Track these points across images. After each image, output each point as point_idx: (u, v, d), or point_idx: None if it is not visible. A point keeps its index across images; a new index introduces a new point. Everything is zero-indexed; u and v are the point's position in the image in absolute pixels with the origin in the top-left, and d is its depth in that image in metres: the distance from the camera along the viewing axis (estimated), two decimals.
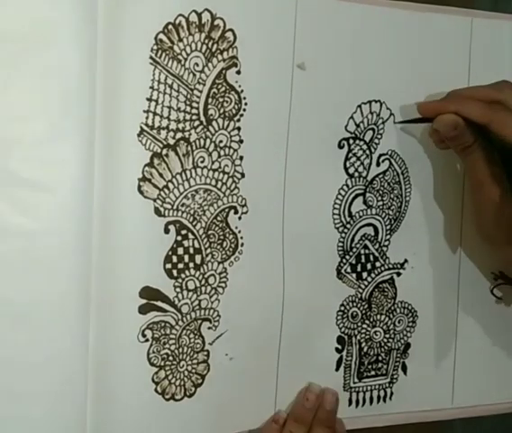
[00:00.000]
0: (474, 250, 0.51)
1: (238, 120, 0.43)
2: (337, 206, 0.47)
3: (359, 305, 0.48)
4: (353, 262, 0.48)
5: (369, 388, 0.49)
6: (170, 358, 0.43)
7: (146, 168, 0.41)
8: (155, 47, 0.40)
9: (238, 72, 0.43)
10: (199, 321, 0.44)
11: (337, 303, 0.48)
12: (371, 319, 0.49)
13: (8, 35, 0.38)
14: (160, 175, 0.42)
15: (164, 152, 0.42)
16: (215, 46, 0.42)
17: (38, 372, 0.39)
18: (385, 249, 0.49)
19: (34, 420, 0.39)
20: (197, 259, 0.43)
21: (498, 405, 0.53)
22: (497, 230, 0.46)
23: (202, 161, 0.43)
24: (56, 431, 0.40)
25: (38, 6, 0.38)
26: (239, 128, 0.43)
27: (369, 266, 0.48)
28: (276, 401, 0.47)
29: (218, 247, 0.44)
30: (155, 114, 0.41)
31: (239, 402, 0.46)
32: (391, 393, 0.50)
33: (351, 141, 0.46)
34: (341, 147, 0.46)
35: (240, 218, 0.44)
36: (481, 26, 0.48)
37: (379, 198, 0.48)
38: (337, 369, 0.48)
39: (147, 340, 0.42)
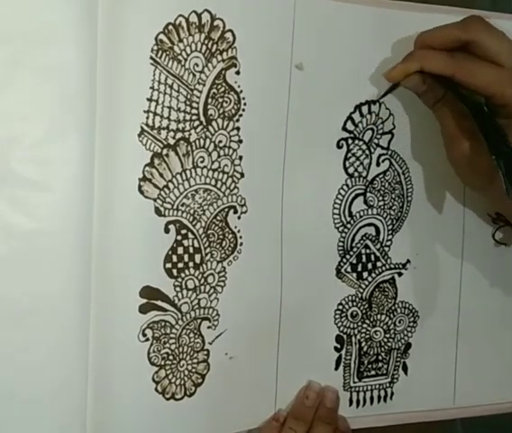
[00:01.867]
0: (476, 249, 0.51)
1: (237, 120, 0.43)
2: (337, 205, 0.47)
3: (359, 304, 0.48)
4: (354, 261, 0.48)
5: (369, 388, 0.49)
6: (171, 357, 0.43)
7: (146, 168, 0.41)
8: (155, 47, 0.40)
9: (237, 72, 0.43)
10: (199, 320, 0.44)
11: (335, 302, 0.48)
12: (372, 319, 0.49)
13: (8, 35, 0.38)
14: (161, 175, 0.42)
15: (164, 151, 0.42)
16: (215, 46, 0.42)
17: (38, 371, 0.39)
18: (387, 249, 0.49)
19: (34, 420, 0.40)
20: (197, 258, 0.43)
21: (501, 405, 0.53)
22: (475, 177, 0.45)
23: (202, 161, 0.43)
24: (56, 431, 0.40)
25: (38, 6, 0.38)
26: (238, 128, 0.43)
27: (369, 266, 0.48)
28: (276, 400, 0.47)
29: (217, 246, 0.44)
30: (155, 114, 0.41)
31: (239, 401, 0.46)
32: (392, 393, 0.50)
33: (349, 141, 0.46)
34: (339, 147, 0.46)
35: (239, 218, 0.44)
36: None
37: (381, 198, 0.48)
38: (336, 368, 0.48)
39: (147, 339, 0.42)
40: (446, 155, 0.46)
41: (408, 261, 0.49)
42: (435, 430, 0.53)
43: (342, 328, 0.48)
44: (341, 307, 0.48)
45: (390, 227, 0.48)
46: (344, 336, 0.48)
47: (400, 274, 0.49)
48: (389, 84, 0.44)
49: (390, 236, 0.49)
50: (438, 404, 0.51)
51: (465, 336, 0.51)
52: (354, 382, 0.49)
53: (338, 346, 0.48)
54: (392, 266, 0.49)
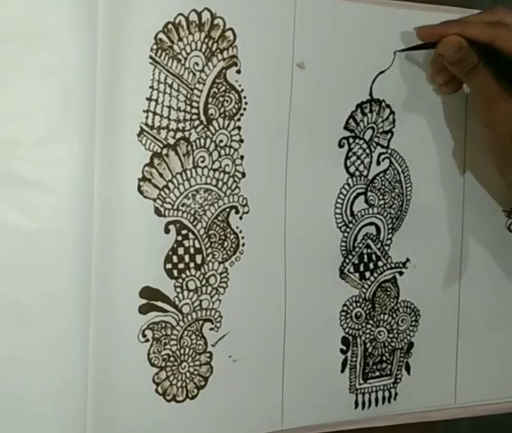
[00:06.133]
0: (476, 248, 0.51)
1: (238, 119, 0.43)
2: (339, 205, 0.47)
3: (362, 305, 0.48)
4: (356, 261, 0.47)
5: (374, 389, 0.49)
6: (171, 359, 0.43)
7: (146, 168, 0.41)
8: (155, 46, 0.40)
9: (238, 71, 0.43)
10: (201, 322, 0.43)
11: (340, 303, 0.47)
12: (375, 319, 0.49)
13: (8, 35, 0.38)
14: (160, 175, 0.42)
15: (164, 151, 0.41)
16: (215, 45, 0.42)
17: (38, 372, 0.39)
18: (387, 248, 0.48)
19: (34, 420, 0.39)
20: (198, 259, 0.43)
21: (502, 404, 0.53)
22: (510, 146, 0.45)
23: (202, 161, 0.43)
24: (56, 431, 0.39)
25: (38, 6, 0.38)
26: (239, 127, 0.43)
27: (371, 266, 0.48)
28: (283, 405, 0.46)
29: (219, 247, 0.44)
30: (155, 113, 0.41)
31: (244, 406, 0.45)
32: (395, 394, 0.49)
33: (351, 140, 0.46)
34: (341, 146, 0.46)
35: (241, 218, 0.44)
36: None
37: (381, 197, 0.48)
38: (342, 370, 0.48)
39: (147, 340, 0.42)
40: (482, 122, 0.46)
41: (408, 259, 0.49)
42: (438, 429, 0.52)
43: (347, 330, 0.48)
44: (345, 308, 0.47)
45: (390, 226, 0.48)
46: (350, 338, 0.48)
47: (401, 273, 0.49)
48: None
49: (390, 235, 0.48)
50: (440, 403, 0.51)
51: (465, 334, 0.51)
52: (360, 384, 0.48)
53: (344, 348, 0.48)
54: (393, 265, 0.49)
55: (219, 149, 0.43)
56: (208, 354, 0.44)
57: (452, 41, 0.43)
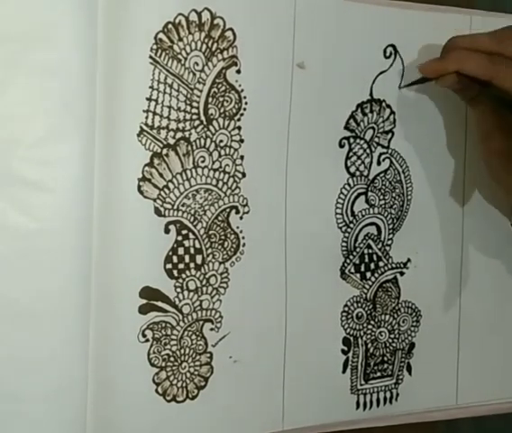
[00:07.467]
0: (476, 248, 0.51)
1: (238, 119, 0.43)
2: (339, 205, 0.46)
3: (364, 305, 0.48)
4: (357, 261, 0.47)
5: (375, 390, 0.49)
6: (172, 359, 0.43)
7: (146, 168, 0.41)
8: (155, 46, 0.40)
9: (238, 71, 0.43)
10: (201, 322, 0.43)
11: (341, 304, 0.47)
12: (376, 320, 0.48)
13: (8, 35, 0.38)
14: (160, 175, 0.41)
15: (164, 151, 0.41)
16: (215, 45, 0.42)
17: (38, 372, 0.39)
18: (388, 248, 0.48)
19: (34, 420, 0.39)
20: (198, 259, 0.43)
21: (503, 404, 0.53)
22: (508, 175, 0.45)
23: (202, 161, 0.43)
24: (56, 431, 0.39)
25: (38, 6, 0.38)
26: (239, 127, 0.43)
27: (372, 266, 0.48)
28: (283, 405, 0.46)
29: (219, 247, 0.43)
30: (155, 113, 0.41)
31: (244, 406, 0.45)
32: (397, 394, 0.49)
33: (351, 140, 0.46)
34: (341, 146, 0.46)
35: (241, 218, 0.44)
36: (480, 24, 0.48)
37: (382, 197, 0.48)
38: (344, 371, 0.48)
39: (147, 340, 0.42)
40: (480, 150, 0.46)
41: (409, 259, 0.49)
42: (439, 429, 0.52)
43: (348, 330, 0.48)
44: (346, 308, 0.47)
45: (391, 226, 0.48)
46: (351, 339, 0.48)
47: (402, 273, 0.49)
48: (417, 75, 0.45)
49: (391, 235, 0.48)
50: (441, 403, 0.51)
51: (466, 334, 0.51)
52: (361, 385, 0.48)
53: (345, 349, 0.48)
54: (394, 266, 0.48)
55: (219, 149, 0.43)
56: (209, 355, 0.44)
57: (449, 81, 0.43)
